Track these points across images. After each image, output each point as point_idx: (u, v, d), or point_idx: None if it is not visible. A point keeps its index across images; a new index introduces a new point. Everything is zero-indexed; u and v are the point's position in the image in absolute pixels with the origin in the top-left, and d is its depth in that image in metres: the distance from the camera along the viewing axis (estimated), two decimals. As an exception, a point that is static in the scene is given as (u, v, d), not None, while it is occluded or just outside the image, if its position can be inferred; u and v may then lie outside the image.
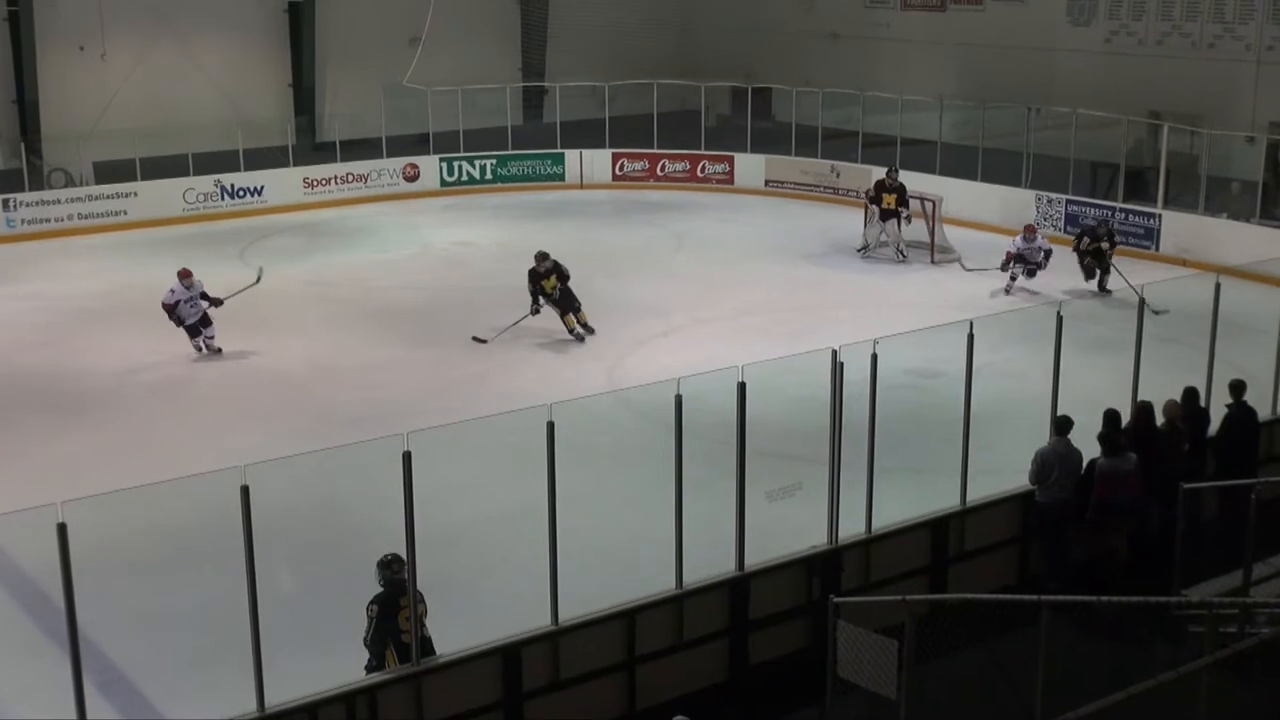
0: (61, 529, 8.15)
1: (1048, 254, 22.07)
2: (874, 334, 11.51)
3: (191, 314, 19.08)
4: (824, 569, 11.30)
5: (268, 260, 25.44)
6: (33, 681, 10.27)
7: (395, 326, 21.09)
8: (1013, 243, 22.38)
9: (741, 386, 10.56)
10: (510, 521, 12.94)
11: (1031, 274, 22.12)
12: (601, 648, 10.34)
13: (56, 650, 9.84)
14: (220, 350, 19.23)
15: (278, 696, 9.16)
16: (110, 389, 18.19)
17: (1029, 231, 22.36)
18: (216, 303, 19.40)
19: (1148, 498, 12.24)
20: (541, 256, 20.00)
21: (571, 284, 20.01)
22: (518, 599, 10.93)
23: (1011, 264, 22.18)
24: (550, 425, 9.81)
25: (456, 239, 27.14)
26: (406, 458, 9.20)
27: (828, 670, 10.09)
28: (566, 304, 19.93)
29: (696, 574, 10.74)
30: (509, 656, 9.89)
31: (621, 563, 12.01)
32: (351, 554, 12.88)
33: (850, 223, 26.40)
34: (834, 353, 11.04)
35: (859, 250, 25.29)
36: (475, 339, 19.70)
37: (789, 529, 11.59)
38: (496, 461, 14.57)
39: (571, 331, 19.83)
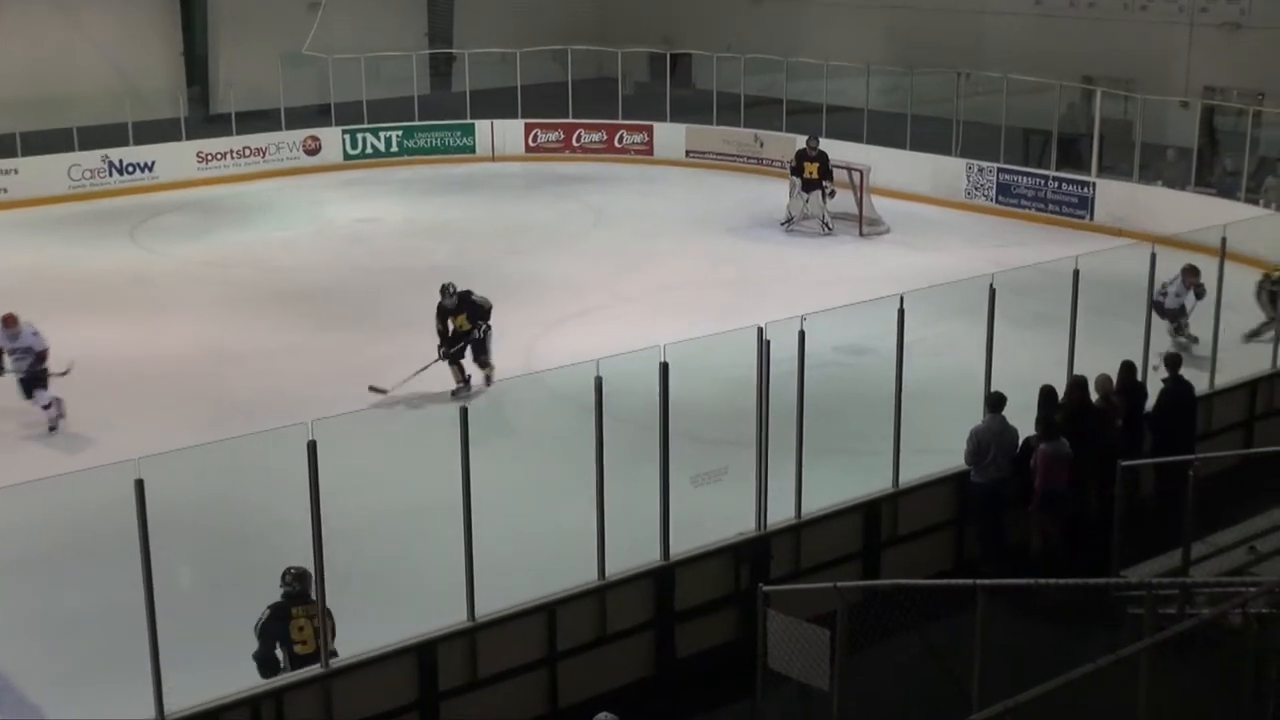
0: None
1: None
2: (801, 310, 11.56)
3: (17, 367, 16.04)
4: (752, 556, 11.35)
5: (160, 240, 25.16)
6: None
7: (296, 309, 20.90)
8: None
9: (664, 367, 10.56)
10: (423, 513, 12.87)
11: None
12: (521, 644, 10.32)
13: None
14: (54, 428, 16.04)
15: (178, 703, 9.05)
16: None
17: None
18: (55, 374, 16.22)
19: (1081, 482, 12.41)
20: (447, 290, 17.02)
21: (473, 287, 17.24)
22: (432, 594, 10.88)
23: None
24: (463, 410, 9.77)
25: (361, 215, 26.92)
26: (311, 447, 9.12)
27: (758, 662, 10.14)
28: (477, 351, 16.93)
29: (620, 564, 10.74)
30: (424, 654, 9.84)
31: (541, 554, 12.01)
32: (255, 551, 12.78)
33: (775, 194, 26.50)
34: (760, 330, 11.06)
35: (783, 223, 25.39)
36: (373, 389, 16.47)
37: (715, 516, 11.62)
38: (408, 450, 14.50)
39: (459, 382, 16.74)
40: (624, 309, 20.49)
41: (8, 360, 16.06)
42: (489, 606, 10.11)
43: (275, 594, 9.80)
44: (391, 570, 12.34)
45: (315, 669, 9.40)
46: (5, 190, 27.57)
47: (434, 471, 12.61)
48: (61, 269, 23.40)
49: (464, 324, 16.85)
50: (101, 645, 10.70)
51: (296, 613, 9.64)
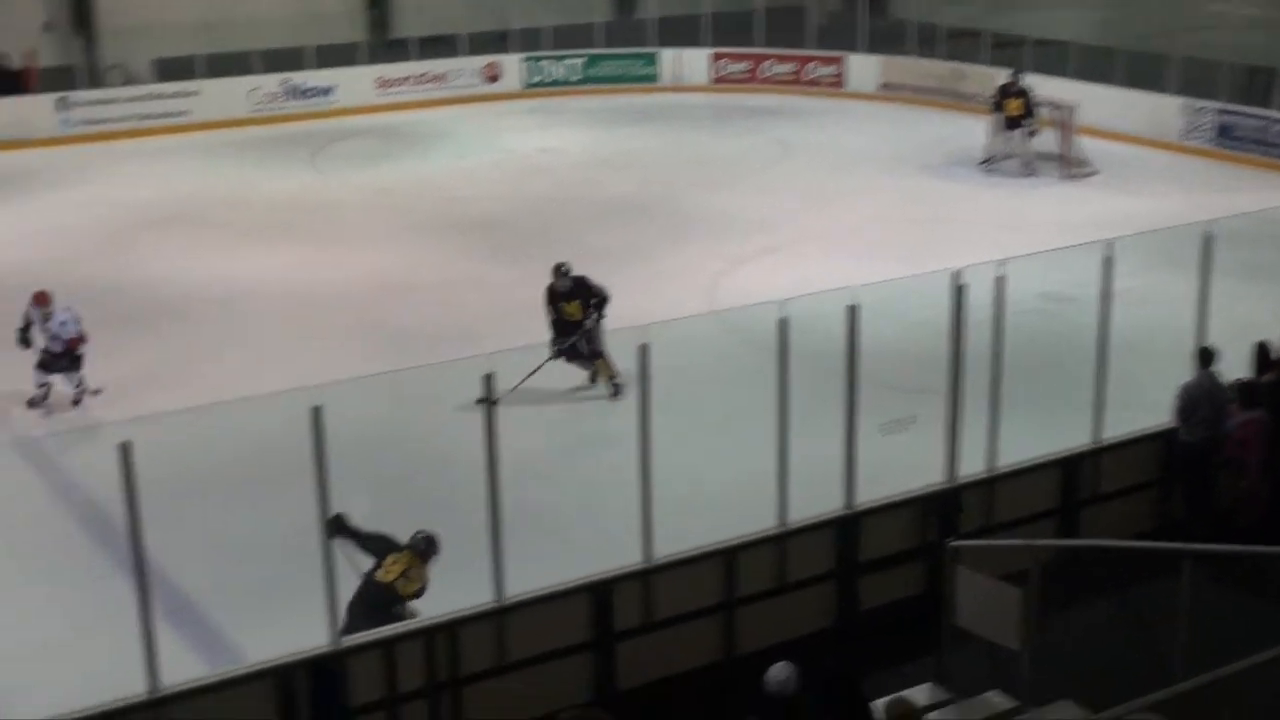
0: (124, 449, 8.32)
1: None
2: (999, 254, 11.40)
3: (52, 343, 15.21)
4: (941, 509, 11.28)
5: (339, 166, 25.71)
6: (100, 610, 10.54)
7: (473, 239, 21.22)
8: None
9: (853, 309, 10.51)
10: (601, 451, 13.04)
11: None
12: (698, 588, 10.42)
13: (123, 577, 10.12)
14: (78, 402, 15.21)
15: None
16: (174, 303, 18.49)
17: None
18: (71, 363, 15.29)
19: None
20: (560, 270, 15.34)
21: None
22: (608, 534, 11.04)
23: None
24: (644, 348, 9.84)
25: (541, 145, 27.18)
26: (488, 380, 9.29)
27: (944, 618, 10.10)
28: (588, 342, 15.16)
29: (801, 512, 10.76)
30: (599, 594, 10.00)
31: (720, 498, 12.08)
32: (426, 483, 13.12)
33: (974, 132, 26.07)
34: (955, 275, 10.95)
35: (982, 163, 24.99)
36: (481, 401, 13.66)
37: (903, 465, 11.57)
38: (586, 385, 14.68)
39: (613, 380, 15.08)
40: (811, 247, 20.41)
41: (39, 336, 15.18)
42: (666, 549, 10.23)
43: (445, 525, 10.04)
44: (567, 508, 12.54)
45: (488, 603, 9.60)
46: (186, 113, 28.43)
47: (612, 409, 12.85)
48: (241, 193, 24.10)
49: (575, 311, 15.13)
50: (279, 568, 11.06)
51: (397, 557, 9.91)
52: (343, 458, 11.08)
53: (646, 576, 10.19)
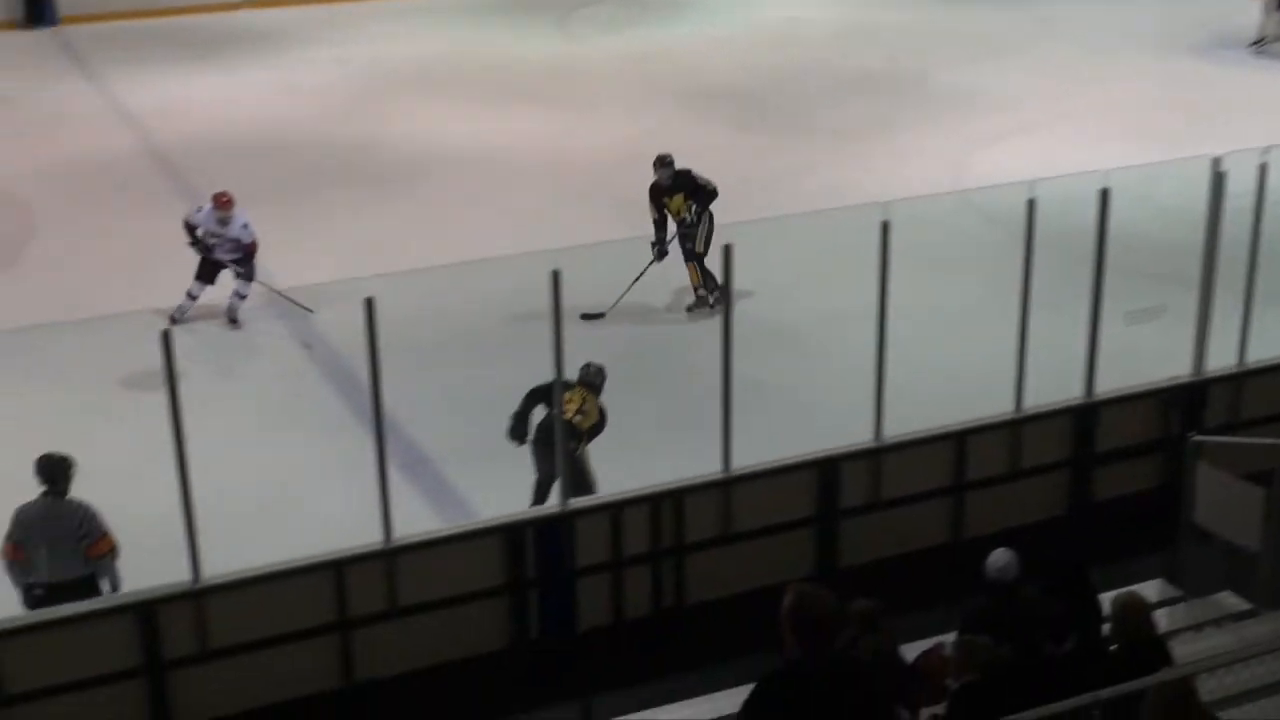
0: (369, 304, 8.53)
1: None
2: (1263, 142, 10.87)
3: (220, 250, 13.99)
4: (1185, 403, 10.93)
5: (587, 31, 25.74)
6: (338, 461, 10.92)
7: (718, 109, 21.06)
8: None
9: (1104, 193, 10.17)
10: (833, 326, 12.94)
11: None
12: (927, 470, 10.32)
13: (362, 430, 10.46)
14: (234, 321, 14.01)
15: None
16: (420, 162, 18.84)
17: None
18: (245, 270, 14.01)
19: None
20: (663, 161, 14.32)
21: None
22: (838, 409, 10.98)
23: None
24: (885, 225, 9.69)
25: (791, 14, 26.73)
26: (727, 250, 9.26)
27: (1180, 515, 9.84)
28: (683, 240, 14.16)
29: (1038, 398, 10.54)
30: (825, 471, 9.98)
31: (955, 381, 11.90)
32: (664, 350, 13.21)
33: (1244, 11, 24.79)
34: (1215, 161, 10.49)
35: (1252, 44, 23.79)
36: (585, 316, 13.34)
37: (1148, 356, 11.24)
38: (821, 261, 14.54)
39: (696, 291, 14.09)
40: (1064, 129, 19.73)
41: (209, 239, 13.95)
42: (896, 429, 10.13)
43: (684, 394, 10.10)
44: (797, 380, 12.49)
45: (715, 473, 9.65)
46: (439, -27, 28.65)
47: (848, 285, 12.67)
48: (487, 55, 24.31)
49: (680, 208, 14.14)
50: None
51: (571, 394, 9.95)
52: (580, 322, 11.24)
53: (876, 455, 10.13)
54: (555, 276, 8.91)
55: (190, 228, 13.88)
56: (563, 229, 15.14)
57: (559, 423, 9.55)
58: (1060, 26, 25.67)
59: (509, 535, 9.25)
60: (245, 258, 13.86)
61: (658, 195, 14.20)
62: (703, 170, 14.30)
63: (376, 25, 26.32)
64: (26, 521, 8.51)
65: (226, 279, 13.92)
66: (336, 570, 8.80)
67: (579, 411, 10.10)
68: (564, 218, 16.28)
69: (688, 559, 9.74)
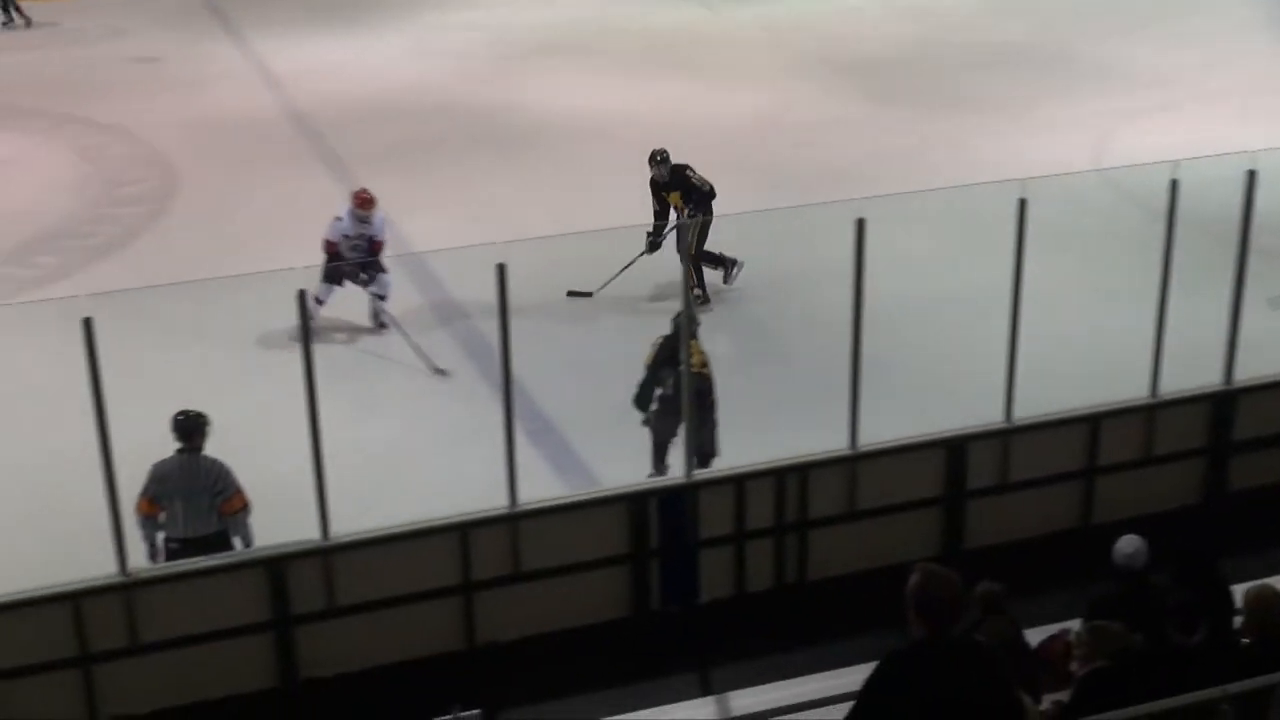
0: (500, 269, 8.58)
1: None
2: None
3: (349, 245, 13.04)
4: (1329, 393, 10.64)
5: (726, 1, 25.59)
6: (465, 424, 11.03)
7: (856, 80, 20.89)
8: None
9: (1251, 175, 9.91)
10: (966, 304, 12.77)
11: None
12: (1057, 453, 10.16)
13: (489, 394, 10.55)
14: (383, 325, 13.18)
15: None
16: (556, 128, 18.91)
17: None
18: (369, 275, 13.11)
19: None
20: (656, 158, 13.96)
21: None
22: (967, 390, 10.84)
23: None
24: (1022, 202, 9.53)
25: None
26: (859, 225, 9.17)
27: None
28: (679, 240, 13.54)
29: (1175, 383, 10.32)
30: (953, 451, 9.87)
31: (1089, 363, 11.68)
32: (791, 321, 13.15)
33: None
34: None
35: None
36: (572, 294, 13.80)
37: (1291, 343, 10.97)
38: (956, 238, 14.37)
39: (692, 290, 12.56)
40: (1212, 108, 19.26)
41: (348, 252, 12.99)
42: (1027, 410, 9.98)
43: (819, 364, 9.98)
44: (926, 359, 12.36)
45: (842, 449, 9.59)
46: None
47: (982, 263, 12.50)
48: (622, 22, 24.32)
49: (678, 202, 13.92)
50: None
51: (693, 344, 9.84)
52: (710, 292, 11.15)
53: (1006, 436, 9.99)
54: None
55: (331, 247, 12.91)
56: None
57: (687, 376, 9.49)
58: (1209, 1, 25.07)
59: (632, 504, 9.28)
60: (372, 256, 12.97)
61: (657, 189, 14.04)
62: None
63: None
64: (163, 477, 8.69)
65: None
66: (462, 533, 8.89)
67: (703, 363, 10.10)
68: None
69: (811, 534, 9.69)
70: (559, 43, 23.01)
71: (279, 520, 8.91)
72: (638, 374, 10.30)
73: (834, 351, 9.69)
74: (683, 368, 9.53)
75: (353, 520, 8.76)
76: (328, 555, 8.66)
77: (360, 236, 13.03)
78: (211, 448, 8.83)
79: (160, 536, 8.78)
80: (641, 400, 10.27)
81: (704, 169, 13.91)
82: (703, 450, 9.79)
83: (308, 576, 8.67)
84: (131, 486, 8.47)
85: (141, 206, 16.52)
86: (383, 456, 10.93)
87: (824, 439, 9.69)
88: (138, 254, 15.16)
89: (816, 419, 10.04)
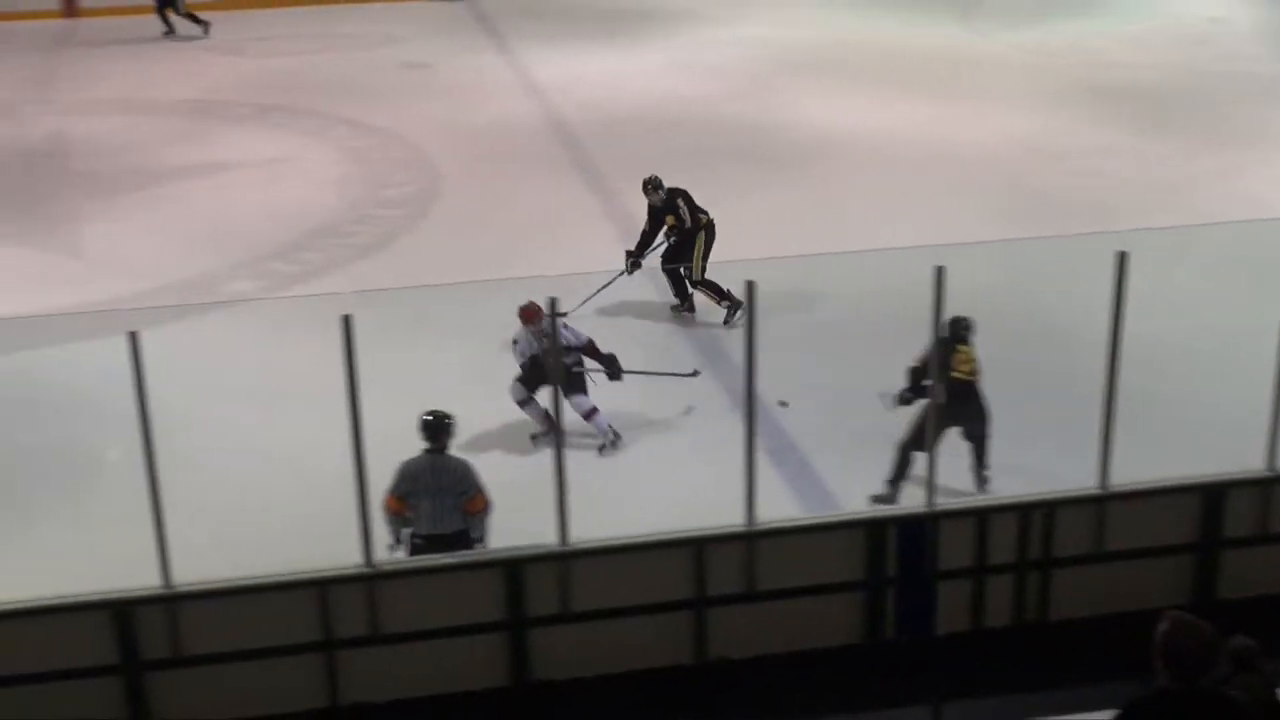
0: (750, 286, 8.59)
1: None
2: None
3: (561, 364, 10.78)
4: None
5: (990, 23, 25.24)
6: (708, 440, 11.08)
7: (1122, 109, 20.34)
8: None
9: None
10: (1232, 343, 12.32)
11: None
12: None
13: (732, 410, 10.56)
14: (609, 445, 11.45)
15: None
16: (809, 147, 18.87)
17: None
18: (611, 370, 11.70)
19: None
20: (648, 186, 13.93)
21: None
22: (1226, 433, 10.44)
23: None
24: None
25: (1211, 14, 25.56)
26: (1120, 258, 8.92)
27: None
28: (695, 269, 13.78)
29: None
30: (1210, 496, 9.51)
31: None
32: (1039, 354, 12.84)
33: None
34: None
35: None
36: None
37: None
38: (1224, 276, 13.88)
39: (721, 304, 13.63)
40: None
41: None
42: (1291, 459, 9.57)
43: (1053, 402, 9.75)
44: (1184, 399, 11.95)
45: (1091, 489, 9.33)
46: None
47: (1251, 303, 12.10)
48: (883, 42, 24.16)
49: (673, 224, 13.85)
50: (881, 421, 11.21)
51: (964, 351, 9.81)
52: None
53: (1268, 485, 9.57)
54: (939, 272, 8.73)
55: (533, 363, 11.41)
56: (950, 224, 14.93)
57: (937, 384, 9.40)
58: None
59: (871, 530, 9.18)
60: (592, 355, 11.60)
61: (653, 216, 13.90)
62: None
63: (773, 8, 26.49)
64: (412, 475, 8.93)
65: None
66: (698, 548, 8.91)
67: (971, 371, 9.93)
68: (952, 212, 16.03)
69: (1055, 573, 9.45)
70: (820, 61, 22.97)
71: (520, 522, 9.07)
72: (881, 399, 10.24)
73: (1088, 386, 9.44)
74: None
75: (590, 528, 8.85)
76: (565, 560, 8.78)
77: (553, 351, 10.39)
78: (461, 447, 9.04)
79: (406, 533, 9.04)
80: (904, 401, 10.19)
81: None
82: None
83: (545, 580, 8.80)
84: (378, 481, 8.71)
85: (404, 209, 17.04)
86: (622, 465, 11.04)
87: (1070, 474, 9.45)
88: (398, 255, 15.62)
89: (1063, 453, 9.80)
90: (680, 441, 11.54)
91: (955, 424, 10.12)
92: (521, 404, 11.46)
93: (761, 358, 8.74)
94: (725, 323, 13.56)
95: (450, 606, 8.73)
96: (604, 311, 13.44)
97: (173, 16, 25.55)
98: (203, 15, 25.62)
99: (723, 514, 9.01)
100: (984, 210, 16.15)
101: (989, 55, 23.46)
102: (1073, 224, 14.65)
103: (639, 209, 13.91)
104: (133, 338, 7.57)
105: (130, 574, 8.22)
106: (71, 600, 8.24)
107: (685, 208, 13.77)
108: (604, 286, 13.65)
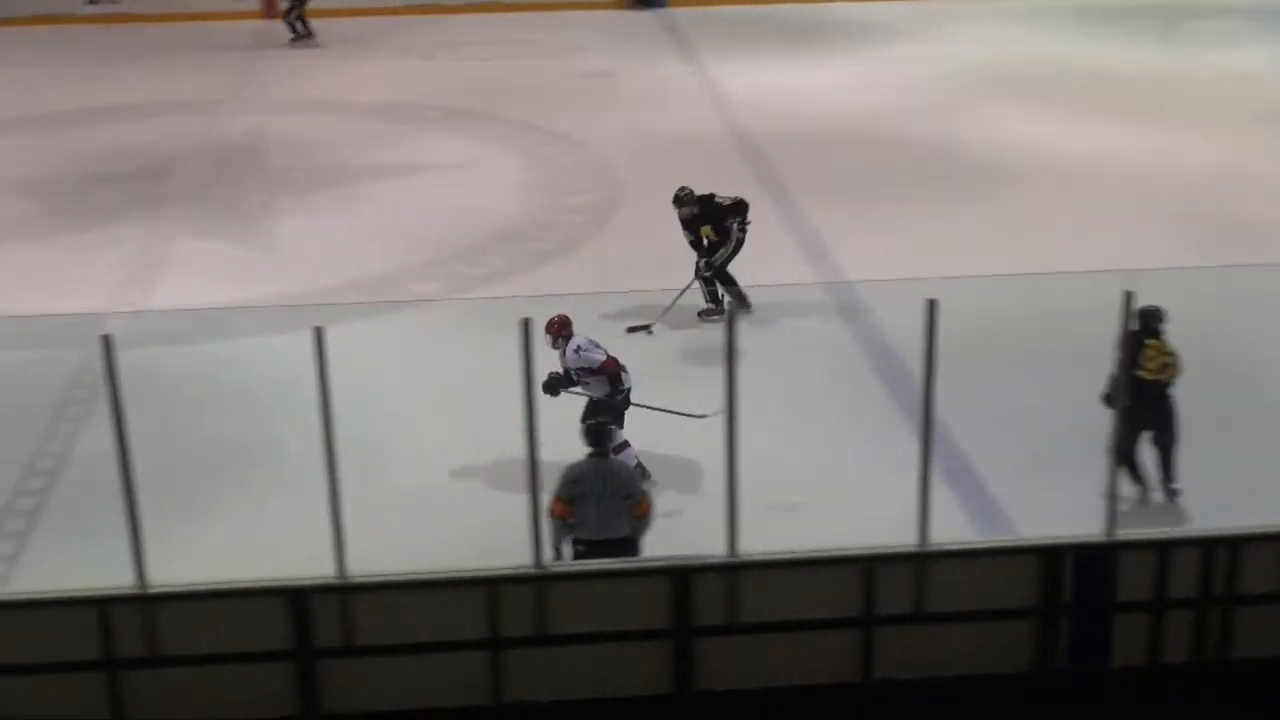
0: (931, 305, 8.51)
1: None
2: None
3: (597, 387, 10.92)
4: None
5: (1193, 44, 24.67)
6: (881, 457, 11.02)
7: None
8: None
9: None
10: None
11: None
12: None
13: (906, 428, 10.48)
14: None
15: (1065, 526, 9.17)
16: (999, 167, 18.62)
17: None
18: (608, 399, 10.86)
19: None
20: (679, 199, 14.13)
21: None
22: None
23: None
24: None
25: None
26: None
27: None
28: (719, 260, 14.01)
29: None
30: None
31: None
32: (1238, 388, 12.49)
33: None
34: None
35: None
36: (632, 329, 13.64)
37: None
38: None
39: (708, 302, 14.05)
40: None
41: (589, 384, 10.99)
42: None
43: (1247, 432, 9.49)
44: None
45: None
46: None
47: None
48: (1079, 63, 23.75)
49: (710, 234, 13.95)
50: (1061, 445, 11.02)
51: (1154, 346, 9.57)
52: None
53: None
54: (1127, 297, 8.57)
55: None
56: (1143, 250, 14.62)
57: (1122, 380, 9.11)
58: None
59: (1047, 557, 9.02)
60: (602, 379, 10.90)
61: (689, 226, 14.00)
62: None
63: (965, 25, 26.24)
64: (577, 480, 9.02)
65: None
66: (867, 566, 8.85)
67: (1161, 366, 9.71)
68: (1145, 238, 15.69)
69: (1239, 611, 9.19)
70: (1011, 79, 22.67)
71: (689, 531, 9.11)
72: (1063, 423, 10.07)
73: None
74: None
75: (758, 540, 8.85)
76: (733, 572, 8.78)
77: (580, 370, 10.95)
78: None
79: (567, 541, 9.13)
80: (1110, 399, 10.00)
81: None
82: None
83: (713, 590, 8.81)
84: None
85: (586, 216, 17.22)
86: (795, 479, 11.02)
87: (1261, 508, 9.20)
88: (578, 262, 15.80)
89: (1261, 484, 9.56)
90: (856, 457, 11.48)
91: (1145, 428, 9.89)
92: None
93: (941, 377, 8.66)
94: (699, 314, 13.87)
95: (616, 611, 8.79)
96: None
97: (292, 20, 26.10)
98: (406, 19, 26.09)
99: (895, 532, 8.94)
100: (1178, 237, 15.78)
101: (1190, 77, 22.91)
102: (1272, 253, 14.25)
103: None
104: (318, 333, 7.76)
105: (307, 563, 8.43)
106: (248, 585, 8.48)
107: (716, 214, 13.92)
108: (681, 292, 13.90)
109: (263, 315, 14.08)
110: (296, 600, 8.46)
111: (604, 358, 10.84)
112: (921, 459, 8.76)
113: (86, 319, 13.64)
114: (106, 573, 8.20)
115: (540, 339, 9.74)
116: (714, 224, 13.93)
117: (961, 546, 9.11)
